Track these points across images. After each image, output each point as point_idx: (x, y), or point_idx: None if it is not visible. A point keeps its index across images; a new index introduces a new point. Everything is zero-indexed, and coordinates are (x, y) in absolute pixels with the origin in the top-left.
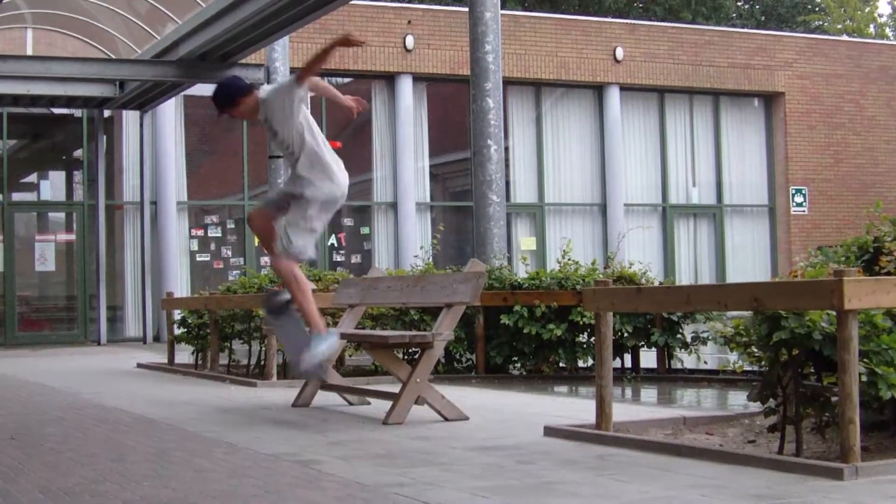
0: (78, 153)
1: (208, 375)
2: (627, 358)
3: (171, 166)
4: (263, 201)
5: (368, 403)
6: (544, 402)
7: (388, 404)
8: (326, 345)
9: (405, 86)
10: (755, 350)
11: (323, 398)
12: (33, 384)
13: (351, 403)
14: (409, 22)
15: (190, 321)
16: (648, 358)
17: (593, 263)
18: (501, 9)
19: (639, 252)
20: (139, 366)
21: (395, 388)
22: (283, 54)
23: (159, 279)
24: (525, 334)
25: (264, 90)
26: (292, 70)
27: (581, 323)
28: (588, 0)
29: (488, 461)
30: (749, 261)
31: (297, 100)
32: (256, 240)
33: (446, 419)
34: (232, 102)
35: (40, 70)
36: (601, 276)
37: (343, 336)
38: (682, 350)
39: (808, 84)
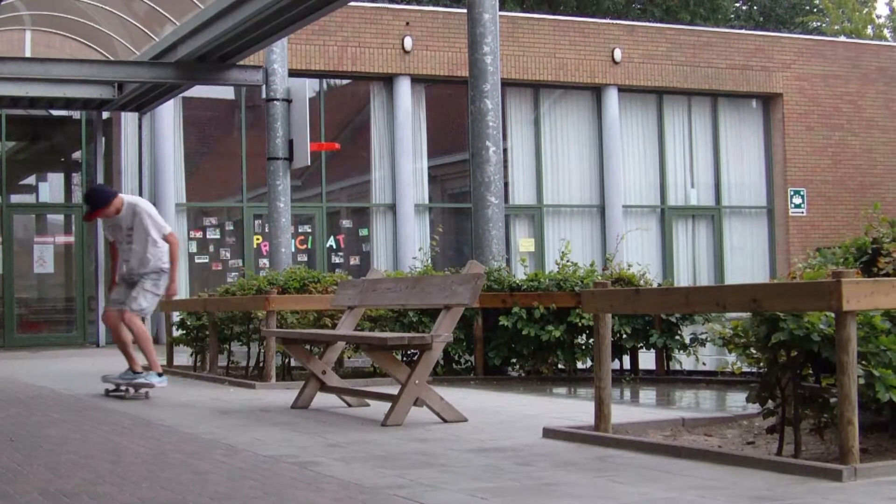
0: (76, 155)
1: (207, 377)
2: (626, 359)
3: (169, 168)
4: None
5: (367, 405)
6: (543, 404)
7: (386, 406)
8: (160, 381)
9: (403, 87)
10: (754, 351)
11: (322, 400)
12: (32, 386)
13: (350, 405)
14: (408, 23)
15: (189, 323)
16: (647, 359)
17: (592, 265)
18: (500, 10)
19: (637, 253)
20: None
21: (394, 390)
22: (282, 56)
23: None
24: (524, 336)
25: (134, 200)
26: (290, 73)
27: (580, 324)
28: (586, 1)
29: (487, 463)
30: (748, 262)
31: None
32: (256, 241)
33: (445, 421)
34: (108, 203)
35: (39, 72)
36: (600, 277)
37: (342, 338)
38: (681, 351)
39: (806, 85)
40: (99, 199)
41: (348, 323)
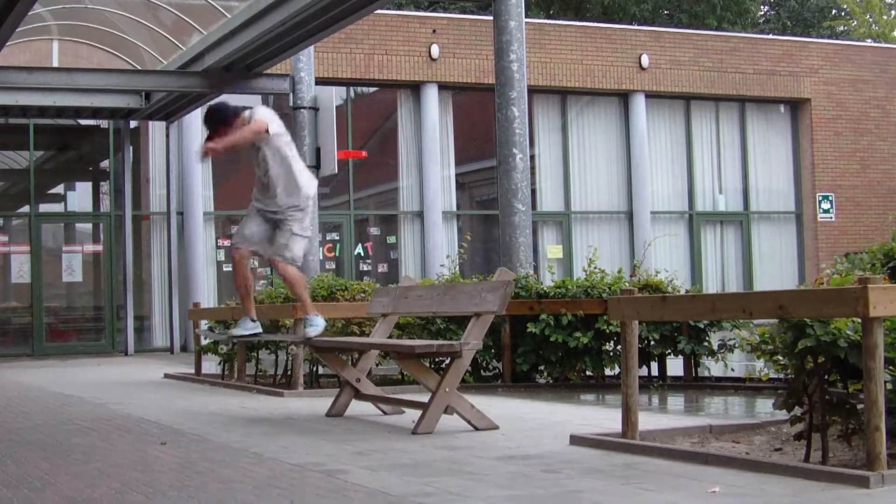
0: (104, 164)
1: (235, 385)
2: (654, 366)
3: (197, 177)
4: (246, 238)
5: (402, 413)
6: (570, 411)
7: (419, 413)
8: (318, 325)
9: (431, 95)
10: (781, 358)
11: (356, 408)
12: (60, 395)
13: (385, 413)
14: (434, 31)
15: (217, 331)
16: (675, 366)
17: (619, 272)
18: (526, 18)
19: (666, 260)
20: (166, 376)
21: (427, 398)
22: (309, 64)
23: (186, 289)
24: (551, 342)
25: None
26: (317, 81)
27: (607, 331)
28: (613, 8)
29: (514, 470)
30: (776, 268)
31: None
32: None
33: (476, 428)
34: (232, 118)
35: (66, 82)
36: (627, 284)
37: (374, 346)
38: (709, 358)
39: (834, 90)
40: (221, 114)
41: (382, 330)
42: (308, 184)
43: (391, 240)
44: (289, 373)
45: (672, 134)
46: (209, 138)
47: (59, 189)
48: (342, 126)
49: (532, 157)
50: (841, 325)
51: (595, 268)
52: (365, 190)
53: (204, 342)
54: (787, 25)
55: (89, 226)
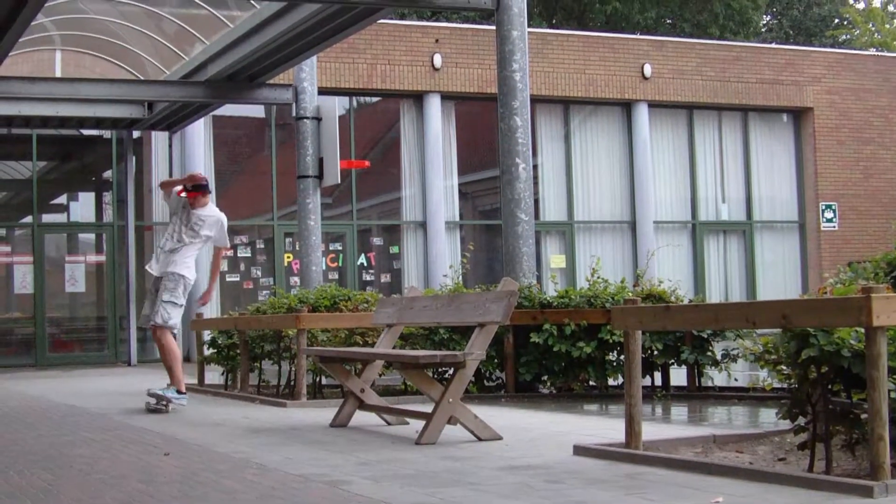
0: (107, 174)
1: (238, 396)
2: (658, 376)
3: None
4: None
5: (406, 423)
6: (574, 421)
7: (422, 424)
8: (182, 400)
9: (433, 104)
10: (784, 368)
11: (360, 418)
12: (63, 405)
13: (389, 423)
14: (437, 41)
15: (220, 342)
16: (679, 375)
17: (622, 281)
18: (529, 27)
19: (669, 269)
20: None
21: (430, 408)
22: (311, 74)
23: (189, 300)
24: (555, 352)
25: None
26: (320, 91)
27: (611, 341)
28: (615, 17)
29: (517, 480)
30: (780, 277)
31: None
32: (286, 259)
33: (479, 439)
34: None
35: (69, 92)
36: (630, 294)
37: (378, 356)
38: (713, 367)
39: (836, 99)
40: (207, 186)
41: (386, 341)
42: (190, 272)
43: (394, 250)
44: (292, 383)
45: (675, 143)
46: (187, 192)
47: (62, 199)
48: (345, 136)
49: (535, 167)
50: (844, 335)
51: (598, 277)
52: (368, 200)
53: (207, 353)
54: (789, 35)
55: (92, 236)
